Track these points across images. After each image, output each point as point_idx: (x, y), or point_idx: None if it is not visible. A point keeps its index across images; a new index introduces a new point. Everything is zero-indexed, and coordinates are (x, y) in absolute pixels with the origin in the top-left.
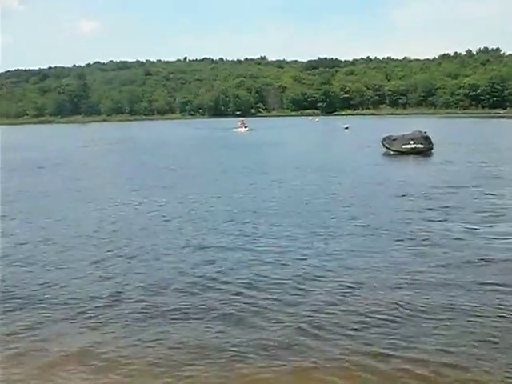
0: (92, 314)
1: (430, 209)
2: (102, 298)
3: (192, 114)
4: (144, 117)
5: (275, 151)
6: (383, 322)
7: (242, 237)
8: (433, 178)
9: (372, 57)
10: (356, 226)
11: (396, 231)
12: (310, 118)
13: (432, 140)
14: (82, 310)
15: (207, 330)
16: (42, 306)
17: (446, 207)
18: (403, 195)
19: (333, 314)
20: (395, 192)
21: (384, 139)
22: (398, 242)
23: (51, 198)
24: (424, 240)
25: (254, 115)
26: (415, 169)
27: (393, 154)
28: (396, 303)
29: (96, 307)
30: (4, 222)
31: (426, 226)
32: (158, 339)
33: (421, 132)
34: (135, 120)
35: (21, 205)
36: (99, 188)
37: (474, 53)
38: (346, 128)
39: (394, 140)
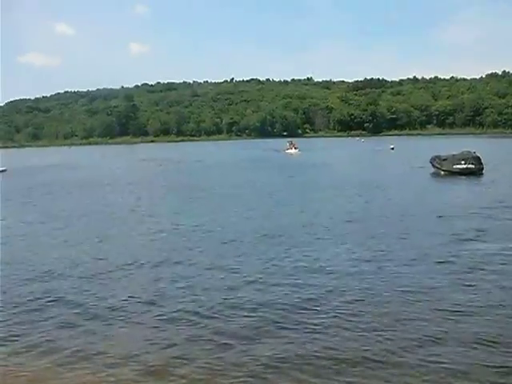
0: None
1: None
2: None
3: (239, 135)
4: (191, 137)
5: (328, 171)
6: None
7: None
8: (489, 198)
9: (419, 77)
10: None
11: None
12: (357, 138)
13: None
14: None
15: None
16: None
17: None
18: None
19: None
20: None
21: (433, 159)
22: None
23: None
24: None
25: (300, 136)
26: (470, 189)
27: (443, 175)
28: None
29: None
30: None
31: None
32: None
33: (470, 152)
34: (182, 141)
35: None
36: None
37: None
38: (392, 148)
39: (444, 160)
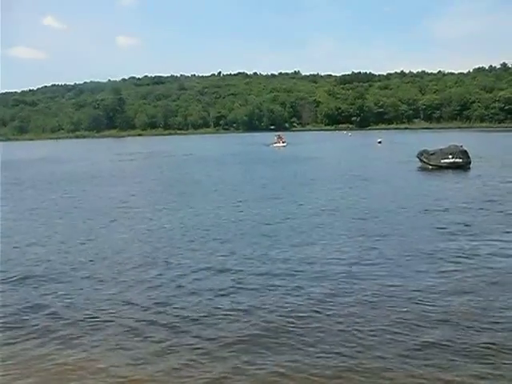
0: None
1: None
2: None
3: (226, 129)
4: (178, 131)
5: (316, 165)
6: None
7: None
8: (477, 192)
9: (406, 71)
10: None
11: None
12: (345, 132)
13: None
14: None
15: None
16: None
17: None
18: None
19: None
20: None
21: (421, 153)
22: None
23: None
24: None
25: (288, 130)
26: (457, 184)
27: (431, 169)
28: None
29: None
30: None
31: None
32: None
33: (457, 146)
34: (169, 134)
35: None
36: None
37: (510, 66)
38: (379, 142)
39: (431, 154)
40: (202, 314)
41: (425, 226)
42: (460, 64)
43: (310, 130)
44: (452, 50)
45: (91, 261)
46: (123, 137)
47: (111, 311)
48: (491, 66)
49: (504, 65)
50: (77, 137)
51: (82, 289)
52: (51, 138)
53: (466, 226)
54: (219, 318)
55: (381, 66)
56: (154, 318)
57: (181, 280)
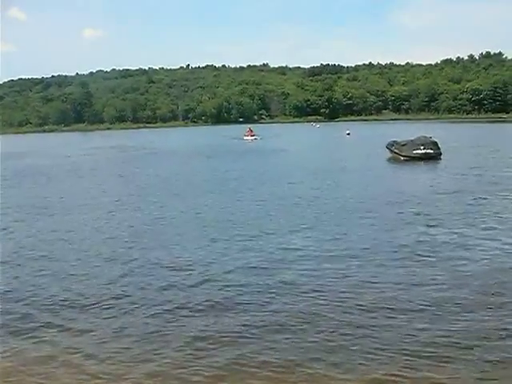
0: None
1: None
2: None
3: (195, 122)
4: (147, 124)
5: (285, 158)
6: None
7: None
8: (448, 183)
9: (374, 62)
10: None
11: None
12: (312, 124)
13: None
14: None
15: None
16: None
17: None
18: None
19: None
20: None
21: (391, 144)
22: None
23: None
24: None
25: (256, 122)
26: (428, 174)
27: (403, 160)
28: None
29: None
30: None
31: None
32: None
33: (426, 137)
34: (138, 128)
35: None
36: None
37: (477, 57)
38: (348, 134)
39: (403, 145)
40: None
41: (394, 217)
42: (428, 55)
43: (279, 122)
44: (420, 42)
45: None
46: (91, 131)
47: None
48: (458, 57)
49: (471, 56)
50: (44, 131)
51: None
52: (18, 133)
53: (436, 219)
54: None
55: (349, 58)
56: None
57: None
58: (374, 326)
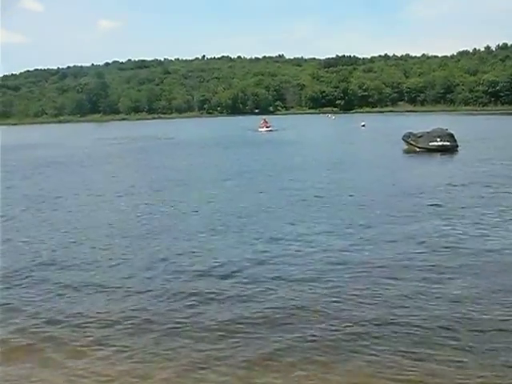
0: None
1: None
2: None
3: (210, 112)
4: (162, 115)
5: (301, 149)
6: None
7: None
8: (465, 175)
9: (390, 54)
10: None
11: None
12: (328, 115)
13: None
14: None
15: None
16: None
17: None
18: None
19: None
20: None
21: (407, 136)
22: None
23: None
24: None
25: (272, 113)
26: (444, 166)
27: (419, 151)
28: None
29: None
30: None
31: None
32: None
33: (443, 129)
34: (153, 118)
35: None
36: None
37: (493, 49)
38: (363, 125)
39: (419, 137)
40: None
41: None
42: (444, 47)
43: (295, 113)
44: (436, 33)
45: None
46: (107, 121)
47: None
48: (475, 49)
49: (488, 48)
50: (60, 121)
51: None
52: (34, 123)
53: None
54: None
55: (365, 50)
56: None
57: None
58: (402, 321)
